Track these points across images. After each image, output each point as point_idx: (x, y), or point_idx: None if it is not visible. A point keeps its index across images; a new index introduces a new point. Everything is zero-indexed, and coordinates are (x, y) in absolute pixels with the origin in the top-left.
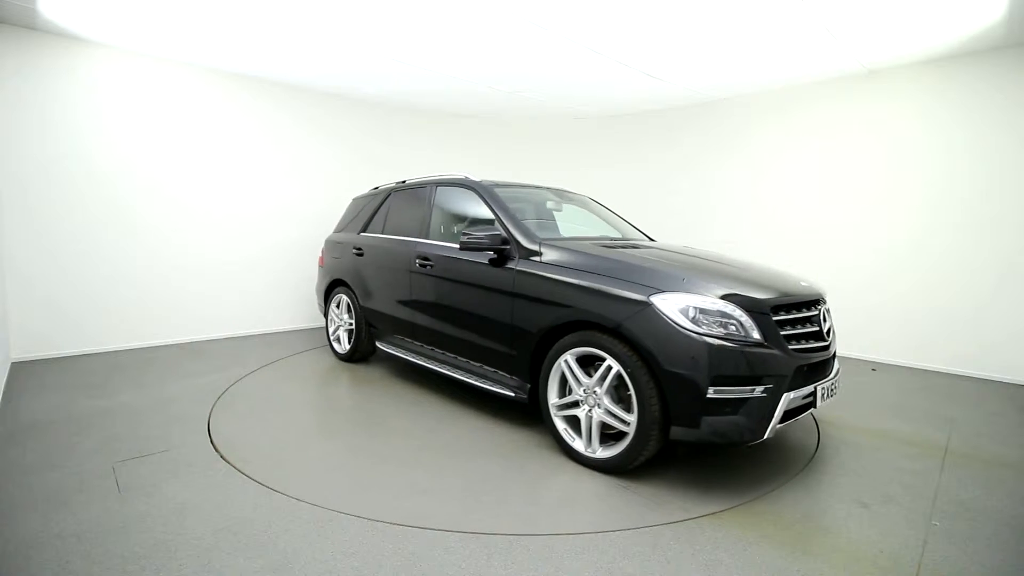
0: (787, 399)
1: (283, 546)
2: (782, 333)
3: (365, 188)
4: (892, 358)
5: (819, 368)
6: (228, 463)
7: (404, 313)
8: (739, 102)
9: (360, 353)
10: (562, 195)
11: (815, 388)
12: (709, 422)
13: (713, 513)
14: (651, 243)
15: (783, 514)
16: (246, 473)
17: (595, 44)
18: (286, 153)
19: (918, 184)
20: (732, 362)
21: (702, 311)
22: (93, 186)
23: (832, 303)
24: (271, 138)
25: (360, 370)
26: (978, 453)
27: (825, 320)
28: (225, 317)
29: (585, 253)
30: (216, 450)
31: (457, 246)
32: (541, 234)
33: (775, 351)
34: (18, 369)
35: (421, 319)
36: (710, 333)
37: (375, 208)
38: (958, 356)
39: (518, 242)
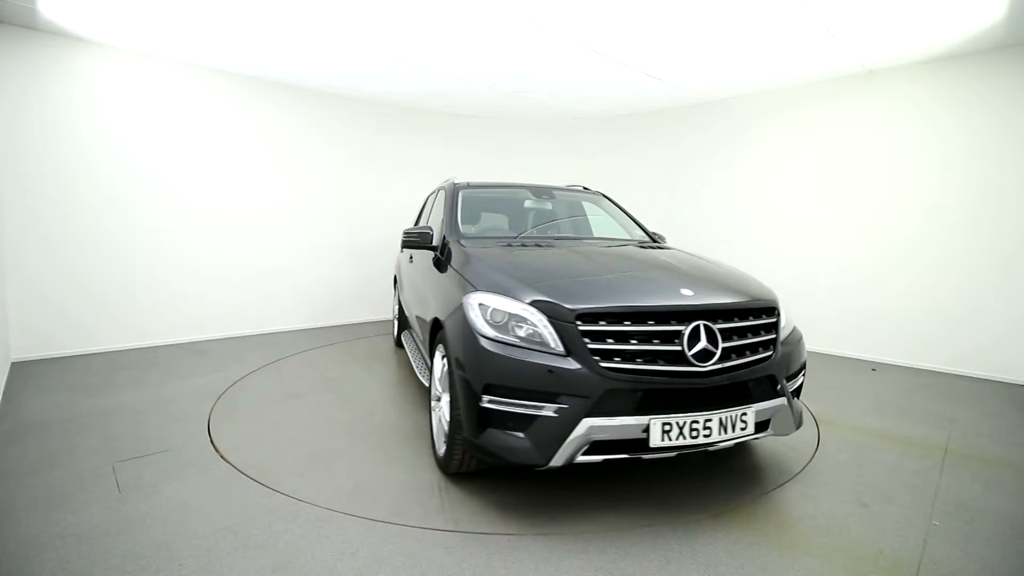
0: (589, 426)
1: (283, 546)
2: (604, 347)
3: (366, 189)
4: (892, 358)
5: (677, 397)
6: (228, 463)
7: (405, 305)
8: (739, 102)
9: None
10: (552, 193)
11: (657, 423)
12: (491, 435)
13: (713, 513)
14: (601, 243)
15: (783, 514)
16: (246, 473)
17: (595, 44)
18: (287, 153)
19: (917, 184)
20: (515, 372)
21: (503, 313)
22: (93, 186)
23: (832, 303)
24: (271, 138)
25: (375, 365)
26: (978, 453)
27: (713, 340)
28: (225, 317)
29: (464, 251)
30: (216, 450)
31: None
32: (466, 232)
33: (578, 367)
34: (18, 369)
35: (410, 310)
36: (502, 338)
37: (419, 211)
38: (958, 356)
39: (443, 239)
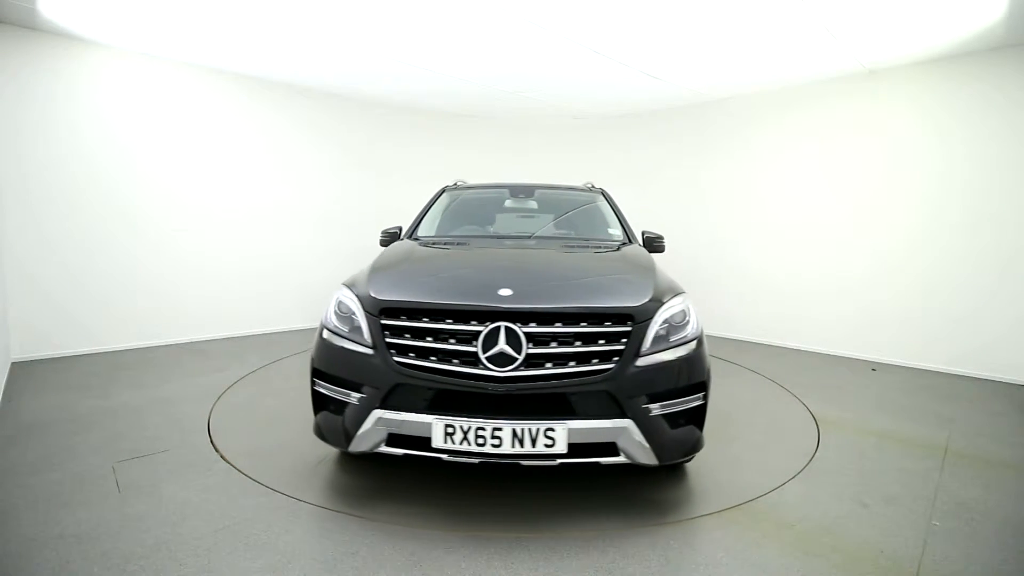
0: (378, 417)
1: (283, 546)
2: (400, 342)
3: (367, 189)
4: (892, 358)
5: (468, 400)
6: (228, 463)
7: None
8: (739, 102)
9: None
10: (540, 193)
11: (440, 424)
12: (321, 417)
13: (713, 513)
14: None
15: (783, 514)
16: (246, 473)
17: (595, 44)
18: (287, 153)
19: (918, 183)
20: (334, 360)
21: (345, 306)
22: (94, 186)
23: (832, 303)
24: (271, 138)
25: None
26: (978, 453)
27: (517, 344)
28: (226, 317)
29: (393, 249)
30: (216, 450)
31: None
32: (422, 232)
33: (376, 359)
34: (19, 369)
35: None
36: (338, 328)
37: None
38: (958, 356)
39: (409, 236)
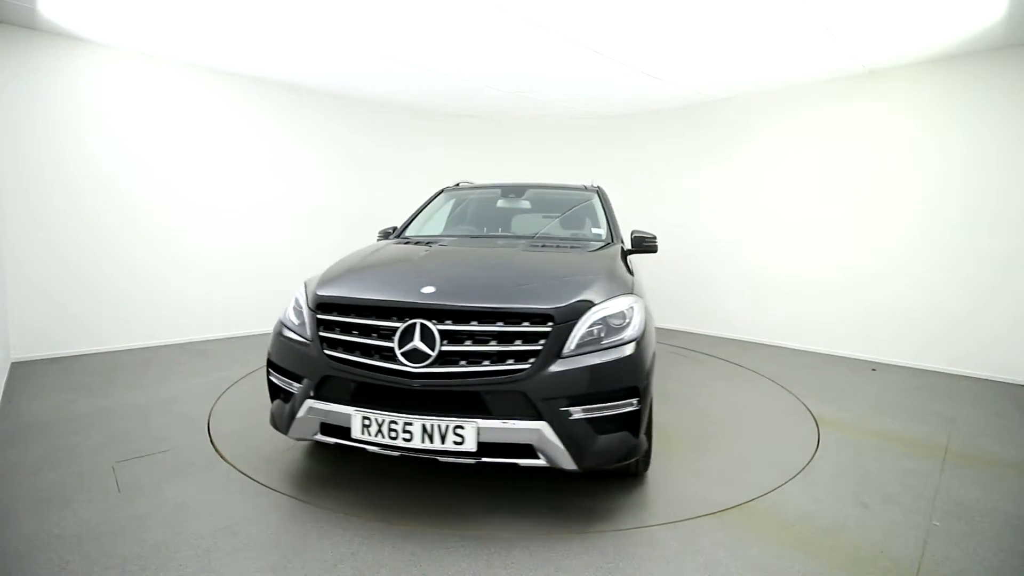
0: (309, 407)
1: (283, 546)
2: (330, 336)
3: (367, 189)
4: (892, 358)
5: (384, 395)
6: (228, 463)
7: None
8: (739, 102)
9: None
10: (533, 193)
11: (358, 415)
12: (274, 405)
13: (713, 513)
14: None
15: (783, 514)
16: (246, 473)
17: (595, 44)
18: (287, 153)
19: (918, 184)
20: (282, 352)
21: (295, 300)
22: (94, 186)
23: (832, 303)
24: (272, 138)
25: None
26: (978, 453)
27: (426, 339)
28: (226, 317)
29: (363, 247)
30: (216, 450)
31: None
32: (410, 231)
33: (312, 351)
34: (18, 369)
35: None
36: (291, 322)
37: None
38: (958, 356)
39: (398, 236)
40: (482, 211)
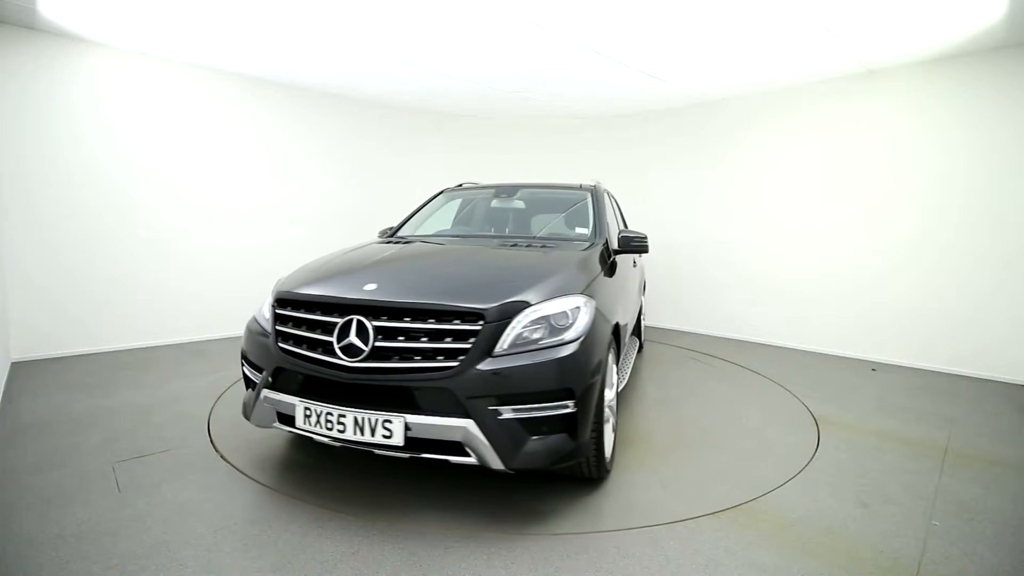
0: (265, 396)
1: (283, 546)
2: (282, 330)
3: (367, 189)
4: (892, 358)
5: (323, 387)
6: (228, 463)
7: None
8: (739, 102)
9: None
10: (527, 193)
11: (300, 406)
12: (246, 394)
13: (713, 513)
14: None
15: (783, 514)
16: (246, 473)
17: (595, 44)
18: (287, 153)
19: (918, 184)
20: (250, 343)
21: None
22: (94, 186)
23: (832, 303)
24: (271, 138)
25: None
26: (978, 453)
27: (361, 335)
28: (226, 317)
29: (345, 247)
30: (216, 450)
31: None
32: (405, 231)
33: (270, 344)
34: (18, 369)
35: None
36: (260, 316)
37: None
38: (959, 356)
39: (391, 235)
40: (475, 212)
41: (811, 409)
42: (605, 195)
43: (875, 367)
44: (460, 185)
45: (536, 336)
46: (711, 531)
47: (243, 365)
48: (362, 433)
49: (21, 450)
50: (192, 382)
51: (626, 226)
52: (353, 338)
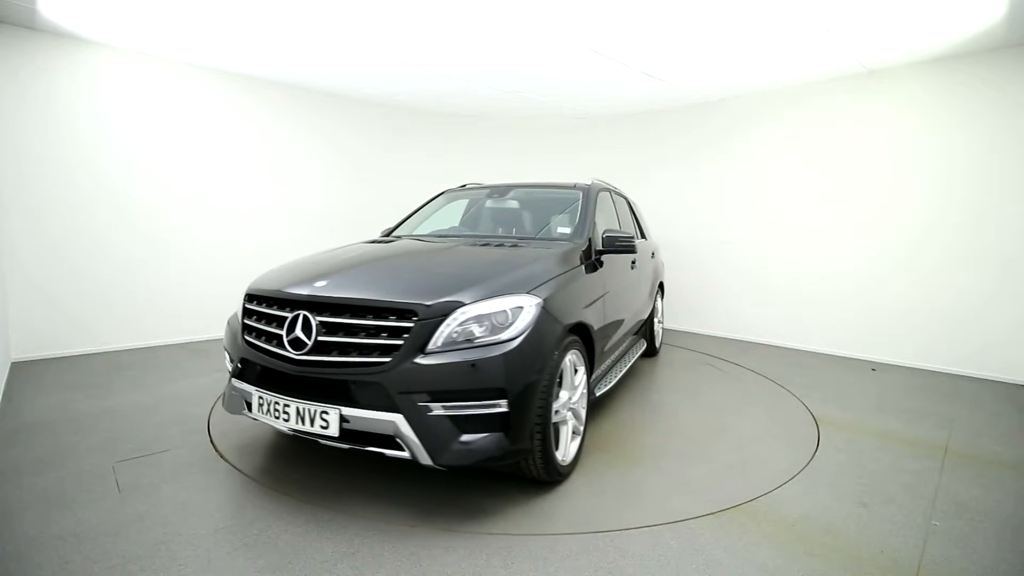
0: (234, 385)
1: (283, 546)
2: (247, 323)
3: (367, 188)
4: (892, 358)
5: (275, 378)
6: (228, 463)
7: None
8: (739, 102)
9: None
10: (520, 193)
11: (255, 394)
12: (227, 384)
13: (713, 513)
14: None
15: (783, 514)
16: (246, 473)
17: (595, 44)
18: (287, 153)
19: (918, 184)
20: (228, 336)
21: None
22: (94, 186)
23: (832, 303)
24: (272, 138)
25: None
26: (978, 453)
27: (305, 329)
28: (226, 317)
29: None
30: (216, 450)
31: None
32: (401, 229)
33: (238, 335)
34: (18, 369)
35: None
36: (238, 310)
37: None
38: (959, 356)
39: (387, 235)
40: (471, 212)
41: (811, 409)
42: (601, 194)
43: (875, 367)
44: (464, 186)
45: (471, 335)
46: (711, 531)
47: (226, 359)
48: (303, 423)
49: (21, 450)
50: (192, 382)
51: (641, 227)
52: (298, 332)
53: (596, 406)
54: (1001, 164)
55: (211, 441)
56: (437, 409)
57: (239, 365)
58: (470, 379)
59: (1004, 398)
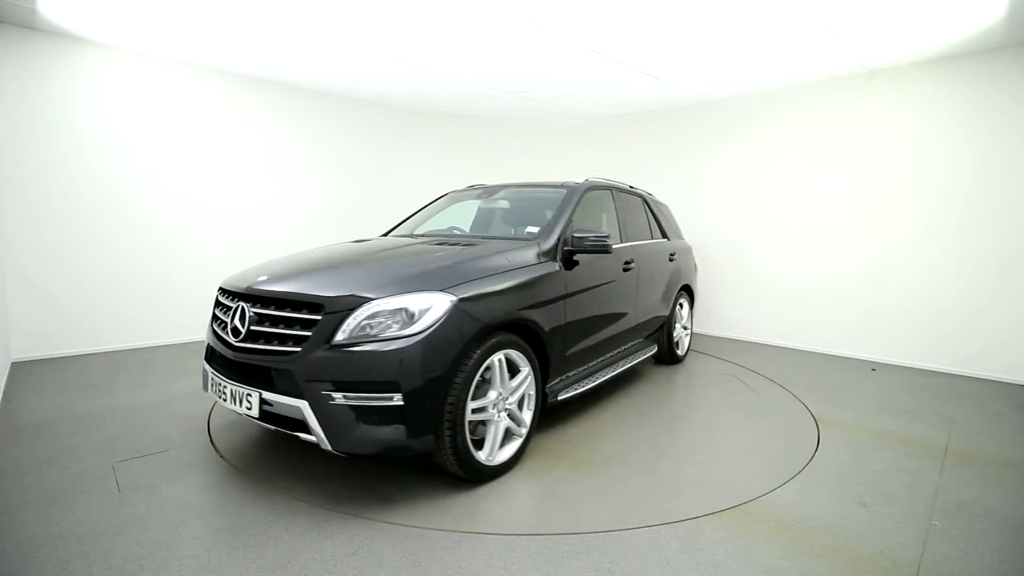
0: (205, 367)
1: (283, 546)
2: (215, 312)
3: (367, 189)
4: (892, 358)
5: (221, 361)
6: (228, 463)
7: None
8: (739, 102)
9: None
10: (516, 194)
11: (210, 375)
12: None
13: (713, 513)
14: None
15: (783, 514)
16: (246, 473)
17: (595, 44)
18: (287, 153)
19: (918, 184)
20: (208, 327)
21: None
22: (93, 186)
23: (832, 303)
24: (272, 138)
25: None
26: (978, 453)
27: (241, 319)
28: None
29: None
30: (216, 450)
31: None
32: (401, 230)
33: (209, 323)
34: (18, 369)
35: None
36: None
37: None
38: (959, 356)
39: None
40: (464, 212)
41: (811, 409)
42: (590, 193)
43: (875, 367)
44: (471, 187)
45: (376, 329)
46: (711, 531)
47: None
48: (235, 403)
49: (22, 450)
50: (192, 382)
51: (662, 227)
52: (236, 321)
53: (592, 402)
54: (1001, 164)
55: (211, 441)
56: (339, 398)
57: (208, 348)
58: (370, 372)
59: (1004, 398)
